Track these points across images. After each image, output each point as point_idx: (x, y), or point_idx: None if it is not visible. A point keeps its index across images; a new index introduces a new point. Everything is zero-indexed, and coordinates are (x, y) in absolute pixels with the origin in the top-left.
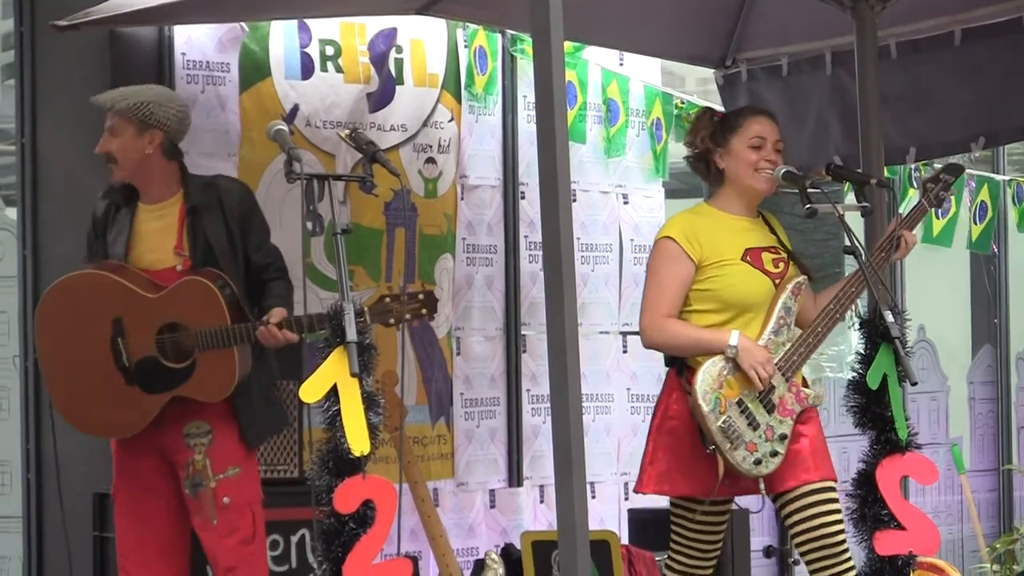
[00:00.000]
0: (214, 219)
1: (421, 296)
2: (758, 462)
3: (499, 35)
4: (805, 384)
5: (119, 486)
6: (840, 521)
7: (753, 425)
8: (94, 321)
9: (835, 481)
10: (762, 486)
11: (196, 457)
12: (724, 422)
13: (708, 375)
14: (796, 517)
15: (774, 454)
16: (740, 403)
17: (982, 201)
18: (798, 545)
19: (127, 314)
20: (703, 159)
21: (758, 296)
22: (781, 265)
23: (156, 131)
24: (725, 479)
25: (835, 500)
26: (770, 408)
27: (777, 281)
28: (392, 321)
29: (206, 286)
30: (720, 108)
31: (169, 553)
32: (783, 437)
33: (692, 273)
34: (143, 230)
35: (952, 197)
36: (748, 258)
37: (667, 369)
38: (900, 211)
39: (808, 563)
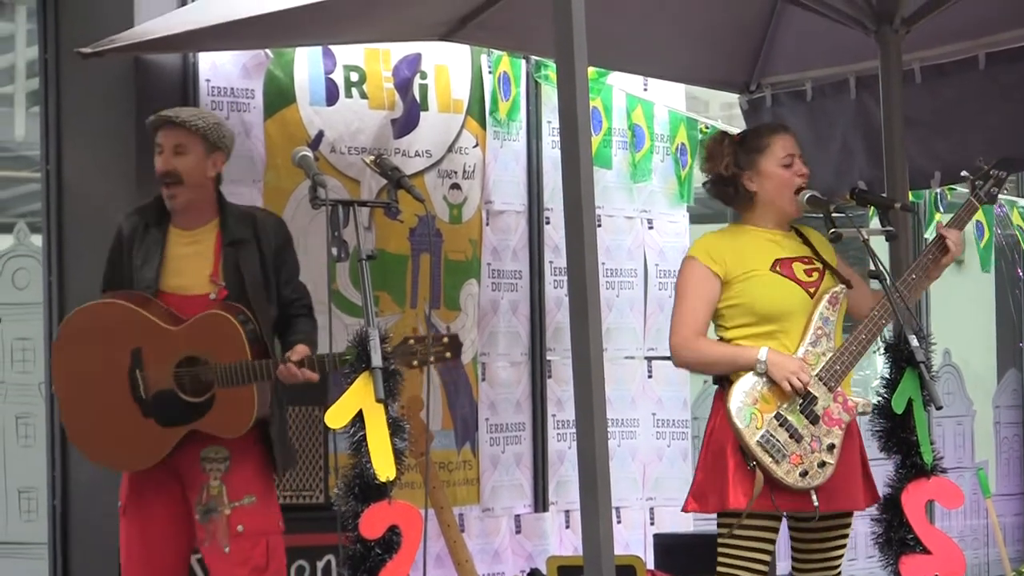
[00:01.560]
0: (250, 254)
1: (445, 339)
2: (804, 473)
3: (523, 61)
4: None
5: (128, 505)
6: None
7: (796, 437)
8: (112, 351)
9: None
10: (815, 499)
11: (212, 483)
12: (762, 437)
13: (741, 391)
14: (832, 534)
15: (822, 464)
16: (779, 416)
17: (1019, 225)
18: (817, 561)
19: (146, 345)
20: (731, 183)
21: (791, 305)
22: (815, 275)
23: (220, 154)
24: (773, 495)
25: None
26: (814, 419)
27: (811, 290)
28: (416, 363)
29: (228, 321)
30: (733, 130)
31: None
32: (831, 447)
33: (718, 290)
34: (173, 254)
35: (984, 222)
36: (778, 268)
37: (714, 389)
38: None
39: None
